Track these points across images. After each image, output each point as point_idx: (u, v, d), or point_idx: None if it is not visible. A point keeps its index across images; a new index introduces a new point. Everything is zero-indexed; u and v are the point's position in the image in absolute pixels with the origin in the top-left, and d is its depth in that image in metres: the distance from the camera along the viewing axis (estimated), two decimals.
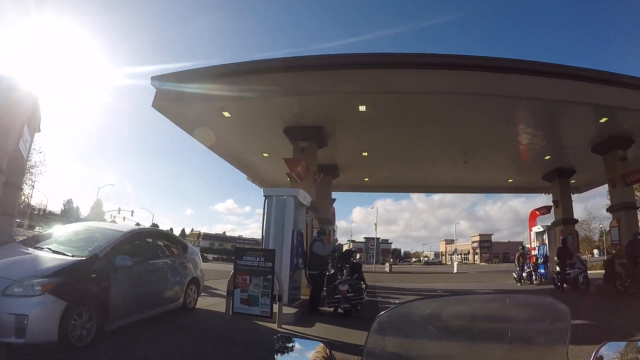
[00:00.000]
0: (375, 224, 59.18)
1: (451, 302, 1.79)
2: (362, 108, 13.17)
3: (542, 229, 22.79)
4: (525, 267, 20.48)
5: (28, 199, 50.14)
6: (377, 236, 69.83)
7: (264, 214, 10.47)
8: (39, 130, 28.11)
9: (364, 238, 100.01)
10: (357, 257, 21.55)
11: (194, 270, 9.02)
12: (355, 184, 23.92)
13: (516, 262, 21.40)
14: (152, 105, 13.66)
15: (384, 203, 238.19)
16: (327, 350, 1.47)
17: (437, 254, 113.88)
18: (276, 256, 8.74)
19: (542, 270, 20.20)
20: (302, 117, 14.13)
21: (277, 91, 12.47)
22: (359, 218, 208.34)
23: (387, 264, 47.56)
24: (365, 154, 17.83)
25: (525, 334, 1.59)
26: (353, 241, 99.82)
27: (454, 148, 16.99)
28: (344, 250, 19.19)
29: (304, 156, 14.29)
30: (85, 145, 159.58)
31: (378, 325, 1.45)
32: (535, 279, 19.54)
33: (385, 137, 15.92)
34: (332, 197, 21.41)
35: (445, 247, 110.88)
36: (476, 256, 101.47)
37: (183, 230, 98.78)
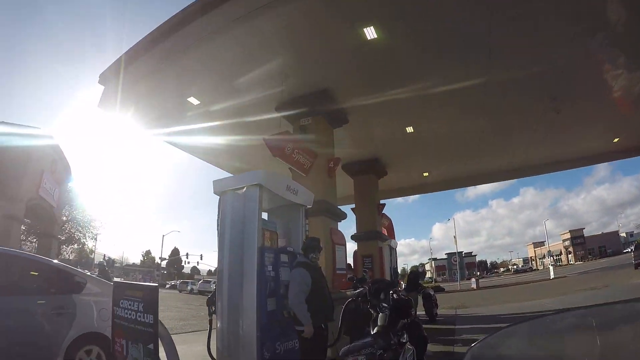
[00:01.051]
0: (455, 237, 54.13)
1: (556, 320, 1.69)
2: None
3: None
4: None
5: (92, 250, 57.39)
6: (459, 250, 64.73)
7: (218, 223, 5.79)
8: (71, 180, 29.03)
9: (446, 254, 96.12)
10: (427, 282, 15.51)
11: (94, 319, 5.73)
12: (411, 184, 18.10)
13: None
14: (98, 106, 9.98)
15: (463, 215, 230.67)
16: None
17: (525, 260, 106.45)
18: (239, 291, 5.14)
19: None
20: (301, 82, 9.31)
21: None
22: (439, 234, 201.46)
23: (473, 280, 42.18)
24: (410, 129, 12.06)
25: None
26: (435, 259, 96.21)
27: (539, 95, 11.00)
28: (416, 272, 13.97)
29: (302, 135, 9.42)
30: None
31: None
32: None
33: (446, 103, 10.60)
34: (381, 203, 15.91)
35: (534, 251, 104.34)
36: (569, 255, 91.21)
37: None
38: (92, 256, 63.97)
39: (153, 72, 9.00)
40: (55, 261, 6.16)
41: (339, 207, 10.04)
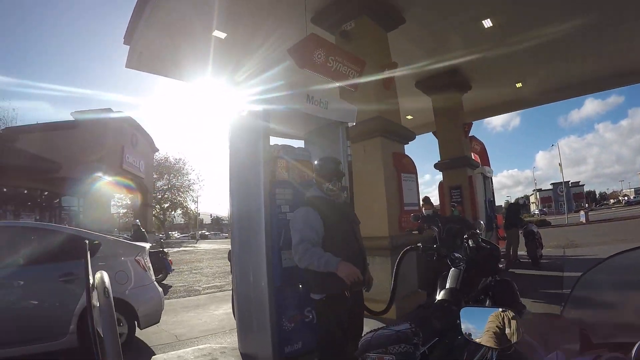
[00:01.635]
0: (560, 165, 48.94)
1: None
2: None
3: None
4: None
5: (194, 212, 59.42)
6: (565, 179, 59.35)
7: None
8: (156, 150, 31.76)
9: (551, 185, 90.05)
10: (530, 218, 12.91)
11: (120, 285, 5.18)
12: (503, 99, 14.76)
13: None
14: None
15: (567, 142, 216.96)
16: None
17: (638, 191, 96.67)
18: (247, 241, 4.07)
19: None
20: None
21: None
22: (543, 164, 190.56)
23: (581, 212, 38.16)
24: (488, 22, 9.18)
25: None
26: (539, 190, 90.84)
27: None
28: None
29: (345, 41, 7.47)
30: None
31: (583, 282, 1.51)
32: None
33: None
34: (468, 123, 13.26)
35: None
36: None
37: None
38: (199, 217, 68.11)
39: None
40: (66, 226, 6.15)
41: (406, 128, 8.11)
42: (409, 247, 3.30)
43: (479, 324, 1.52)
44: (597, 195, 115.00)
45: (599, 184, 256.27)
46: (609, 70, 13.03)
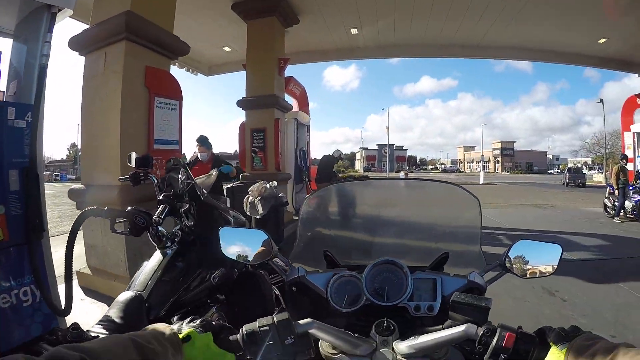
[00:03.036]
0: (387, 127, 51.61)
1: (368, 185, 2.27)
2: None
3: None
4: (631, 192, 11.48)
5: None
6: (391, 142, 63.07)
7: None
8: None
9: (377, 145, 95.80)
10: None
11: None
12: (335, 45, 13.30)
13: (613, 181, 11.98)
14: None
15: (399, 110, 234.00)
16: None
17: (454, 161, 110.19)
18: None
19: None
20: None
21: None
22: (374, 126, 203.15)
23: (401, 172, 40.67)
24: None
25: (440, 220, 1.77)
26: (365, 148, 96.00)
27: None
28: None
29: None
30: None
31: (306, 206, 1.73)
32: None
33: None
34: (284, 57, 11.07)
35: (464, 154, 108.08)
36: (497, 164, 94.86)
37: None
38: None
39: None
40: None
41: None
42: (89, 209, 2.23)
43: None
44: (418, 160, 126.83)
45: (422, 151, 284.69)
46: (456, 38, 12.65)
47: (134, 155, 2.60)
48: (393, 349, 1.08)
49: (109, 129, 4.89)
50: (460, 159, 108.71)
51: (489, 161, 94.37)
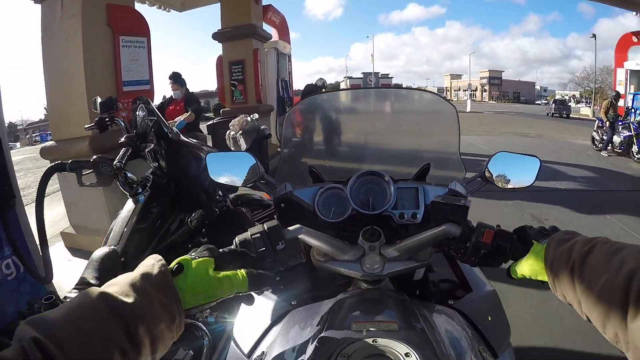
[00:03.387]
0: (372, 55, 50.49)
1: (348, 94, 2.23)
2: None
3: None
4: (620, 127, 11.25)
5: None
6: (376, 70, 61.84)
7: None
8: None
9: (362, 73, 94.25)
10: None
11: None
12: None
13: (603, 115, 11.74)
14: None
15: (384, 38, 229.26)
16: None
17: (440, 89, 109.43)
18: None
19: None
20: None
21: None
22: (358, 55, 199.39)
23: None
24: None
25: (420, 130, 1.83)
26: (350, 77, 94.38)
27: None
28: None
29: None
30: None
31: (287, 122, 1.75)
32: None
33: None
34: None
35: (450, 83, 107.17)
36: (484, 93, 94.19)
37: None
38: None
39: None
40: None
41: None
42: (55, 164, 2.02)
43: None
44: (404, 87, 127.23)
45: (407, 79, 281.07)
46: None
47: (98, 100, 2.41)
48: (380, 253, 1.14)
49: (73, 77, 4.56)
50: (446, 87, 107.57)
51: (476, 90, 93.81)
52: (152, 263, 0.77)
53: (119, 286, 0.70)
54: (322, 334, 0.89)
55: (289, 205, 1.36)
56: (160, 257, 0.79)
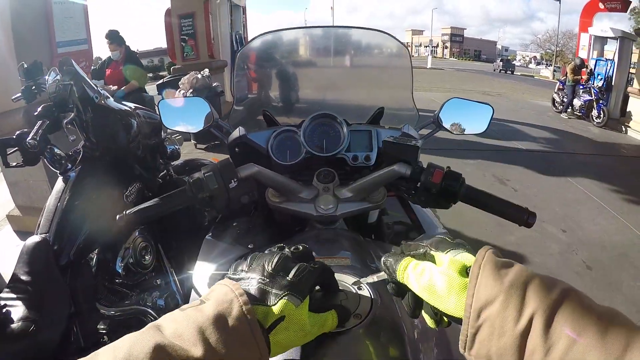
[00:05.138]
0: (332, 8, 49.49)
1: (301, 32, 2.06)
2: None
3: (609, 34, 12.43)
4: (581, 91, 11.17)
5: None
6: (337, 24, 60.94)
7: None
8: None
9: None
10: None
11: None
12: None
13: (568, 77, 11.55)
14: None
15: None
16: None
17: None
18: None
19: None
20: None
21: None
22: (318, 8, 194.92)
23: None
24: None
25: (374, 71, 1.85)
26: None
27: None
28: None
29: None
30: None
31: (238, 62, 1.71)
32: (600, 115, 10.33)
33: None
34: None
35: (412, 38, 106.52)
36: (445, 50, 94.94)
37: None
38: None
39: None
40: None
41: None
42: None
43: None
44: None
45: None
46: None
47: (23, 65, 2.13)
48: (334, 194, 1.16)
49: (3, 42, 3.95)
50: (407, 43, 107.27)
51: (437, 46, 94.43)
52: (230, 299, 0.53)
53: (183, 334, 0.49)
54: None
55: (243, 149, 1.36)
56: (240, 289, 0.55)
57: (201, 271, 1.18)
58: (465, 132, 1.39)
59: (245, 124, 1.46)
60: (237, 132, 1.37)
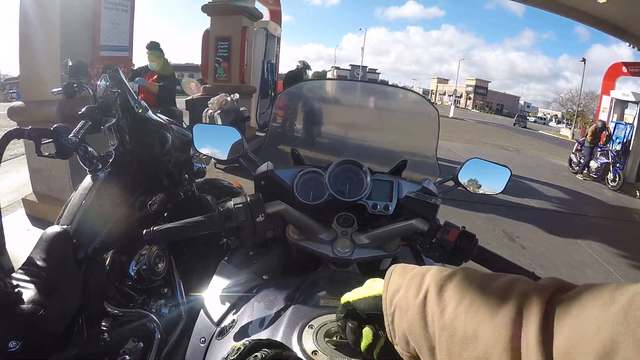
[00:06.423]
0: (362, 48, 50.53)
1: (337, 84, 2.46)
2: None
3: (630, 98, 12.99)
4: (598, 154, 11.27)
5: None
6: (365, 64, 61.75)
7: None
8: None
9: (350, 65, 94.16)
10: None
11: None
12: None
13: (588, 138, 11.55)
14: None
15: (377, 32, 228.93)
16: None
17: (426, 92, 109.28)
18: None
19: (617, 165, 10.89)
20: None
21: None
22: (349, 46, 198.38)
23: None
24: None
25: (401, 127, 1.93)
26: (338, 68, 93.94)
27: None
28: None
29: None
30: None
31: (277, 102, 1.97)
32: (615, 178, 10.41)
33: None
34: None
35: (437, 86, 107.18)
36: (469, 101, 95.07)
37: None
38: None
39: None
40: None
41: None
42: (13, 129, 1.83)
43: None
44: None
45: (394, 77, 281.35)
46: None
47: (69, 63, 2.14)
48: (351, 239, 1.21)
49: (50, 36, 4.17)
50: (432, 90, 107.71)
51: (460, 96, 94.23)
52: None
53: None
54: (293, 306, 0.96)
55: (269, 183, 1.40)
56: None
57: (213, 292, 1.24)
58: (481, 192, 1.46)
59: (274, 160, 1.50)
60: (265, 167, 1.41)
